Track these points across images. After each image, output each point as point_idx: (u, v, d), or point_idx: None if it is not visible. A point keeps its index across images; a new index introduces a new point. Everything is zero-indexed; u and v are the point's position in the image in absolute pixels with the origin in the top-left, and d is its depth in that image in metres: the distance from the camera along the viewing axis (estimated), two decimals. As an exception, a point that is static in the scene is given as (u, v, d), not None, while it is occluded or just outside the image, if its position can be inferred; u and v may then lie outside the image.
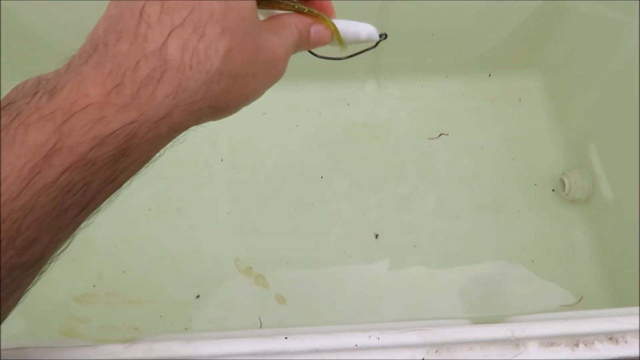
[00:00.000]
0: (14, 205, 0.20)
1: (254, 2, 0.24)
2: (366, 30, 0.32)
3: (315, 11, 0.30)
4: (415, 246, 0.78)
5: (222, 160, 0.82)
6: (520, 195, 0.81)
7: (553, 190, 0.81)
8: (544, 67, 0.89)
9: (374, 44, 0.34)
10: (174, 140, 0.26)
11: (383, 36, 0.34)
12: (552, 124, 0.87)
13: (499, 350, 0.39)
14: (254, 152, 0.83)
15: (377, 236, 0.78)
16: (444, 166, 0.84)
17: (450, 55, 0.88)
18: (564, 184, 0.79)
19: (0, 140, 0.20)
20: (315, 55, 0.33)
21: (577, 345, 0.40)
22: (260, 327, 0.71)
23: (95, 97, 0.21)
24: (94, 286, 0.73)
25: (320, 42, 0.31)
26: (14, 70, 0.78)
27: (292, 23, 0.29)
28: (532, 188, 0.82)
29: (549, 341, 0.40)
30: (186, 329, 0.71)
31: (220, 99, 0.24)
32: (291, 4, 0.29)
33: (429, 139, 0.85)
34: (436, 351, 0.39)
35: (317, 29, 0.30)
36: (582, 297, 0.73)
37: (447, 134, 0.85)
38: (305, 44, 0.30)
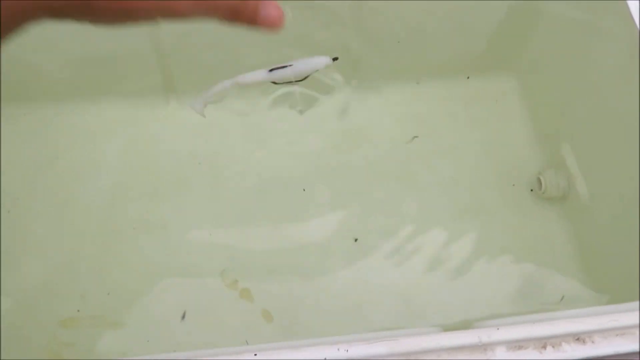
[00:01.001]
0: None
1: None
2: (321, 62, 0.33)
3: None
4: (397, 252, 0.78)
5: (203, 174, 0.83)
6: (499, 196, 0.82)
7: (531, 190, 0.82)
8: (518, 69, 0.90)
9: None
10: None
11: (335, 59, 0.35)
12: (527, 124, 0.87)
13: (467, 356, 0.39)
14: (235, 165, 0.84)
15: (356, 240, 0.79)
16: (423, 170, 0.84)
17: (425, 60, 0.89)
18: (540, 184, 0.80)
19: None
20: (276, 83, 0.34)
21: (544, 347, 0.40)
22: (247, 343, 0.71)
23: None
24: (79, 310, 0.73)
25: (270, 22, 0.25)
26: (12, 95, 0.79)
27: None
28: (510, 189, 0.82)
29: (517, 345, 0.40)
30: (174, 350, 0.71)
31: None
32: None
33: (405, 143, 0.85)
34: (405, 361, 0.39)
35: (265, 12, 0.25)
36: (563, 296, 0.73)
37: (417, 136, 0.86)
38: (236, 15, 0.24)
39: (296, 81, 0.33)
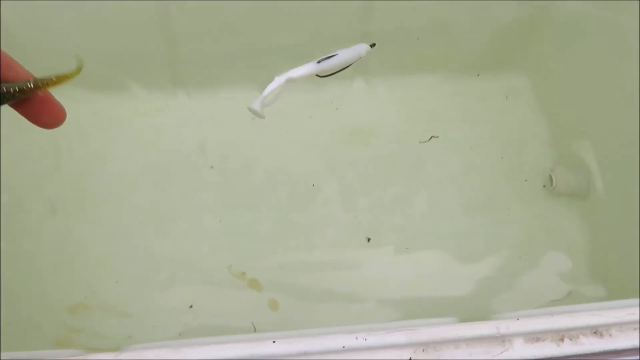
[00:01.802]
0: None
1: None
2: (363, 49, 0.33)
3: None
4: (407, 248, 0.78)
5: (212, 167, 0.83)
6: (511, 192, 0.82)
7: (544, 186, 0.82)
8: (530, 65, 0.90)
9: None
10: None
11: (373, 45, 0.35)
12: (540, 120, 0.87)
13: (485, 348, 0.39)
14: (244, 158, 0.84)
15: (369, 240, 0.79)
16: (434, 166, 0.84)
17: (437, 56, 0.88)
18: (552, 180, 0.79)
19: None
20: (319, 76, 0.34)
21: (562, 340, 0.40)
22: (255, 331, 0.71)
23: None
24: (86, 297, 0.73)
25: (46, 124, 0.27)
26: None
27: None
28: (523, 184, 0.82)
29: (534, 337, 0.40)
30: (180, 334, 0.71)
31: None
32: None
33: (419, 142, 0.85)
34: (423, 350, 0.39)
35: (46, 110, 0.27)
36: (570, 292, 0.74)
37: (438, 136, 0.86)
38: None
39: (338, 71, 0.33)
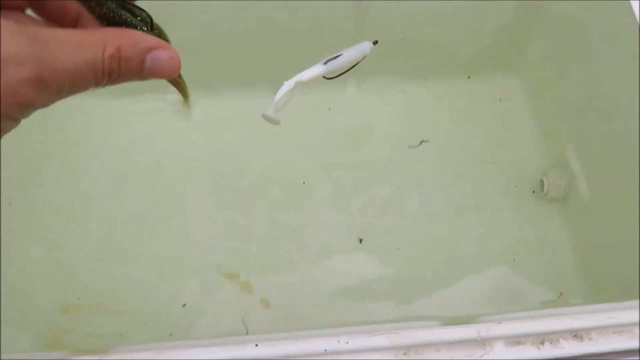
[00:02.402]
0: None
1: None
2: (367, 47, 0.33)
3: (162, 32, 0.23)
4: (398, 249, 0.79)
5: (203, 167, 0.83)
6: (501, 196, 0.82)
7: (533, 191, 0.82)
8: (523, 68, 0.90)
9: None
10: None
11: (376, 42, 0.35)
12: (532, 124, 0.88)
13: (466, 351, 0.40)
14: (237, 160, 0.84)
15: (360, 241, 0.79)
16: (426, 169, 0.85)
17: (429, 58, 0.89)
18: (543, 184, 0.80)
19: None
20: (326, 78, 0.34)
21: (542, 343, 0.41)
22: (247, 332, 0.71)
23: None
24: (79, 298, 0.73)
25: (163, 75, 0.24)
26: None
27: (107, 39, 0.21)
28: (513, 189, 0.83)
29: (515, 340, 0.41)
30: (171, 334, 0.72)
31: None
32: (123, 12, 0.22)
33: (409, 147, 0.86)
34: (404, 353, 0.39)
35: (161, 57, 0.23)
36: (561, 293, 0.74)
37: (428, 141, 0.86)
38: (128, 74, 0.23)
39: (345, 72, 0.33)
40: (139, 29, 0.23)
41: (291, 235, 0.79)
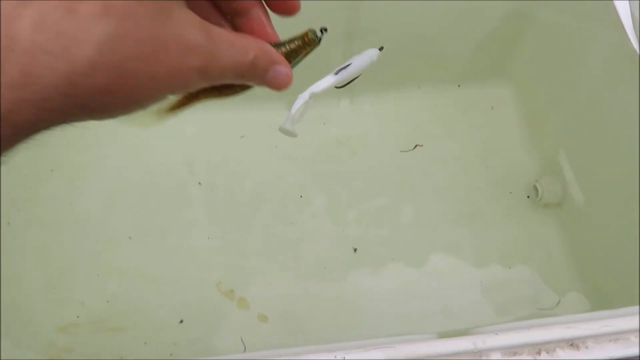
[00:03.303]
0: None
1: None
2: (374, 54, 0.34)
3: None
4: (393, 259, 0.79)
5: (200, 183, 0.83)
6: (496, 203, 0.83)
7: (528, 196, 0.83)
8: (513, 75, 0.91)
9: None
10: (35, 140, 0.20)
11: (382, 49, 0.35)
12: (524, 131, 0.88)
13: (463, 363, 0.40)
14: (232, 174, 0.84)
15: (355, 250, 0.79)
16: (420, 178, 0.85)
17: (420, 68, 0.89)
18: (537, 190, 0.80)
19: None
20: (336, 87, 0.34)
21: (539, 353, 0.41)
22: (245, 349, 0.71)
23: None
24: (78, 316, 0.73)
25: (276, 87, 0.26)
26: None
27: (249, 46, 0.24)
28: (507, 195, 0.83)
29: (512, 351, 0.41)
30: (171, 354, 0.71)
31: (94, 99, 0.19)
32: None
33: (401, 151, 0.86)
34: (401, 367, 0.39)
35: (280, 72, 0.26)
36: (559, 301, 0.74)
37: (422, 145, 0.86)
38: (253, 78, 0.25)
39: (353, 80, 0.33)
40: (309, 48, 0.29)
41: (288, 248, 0.79)
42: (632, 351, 0.42)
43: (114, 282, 0.76)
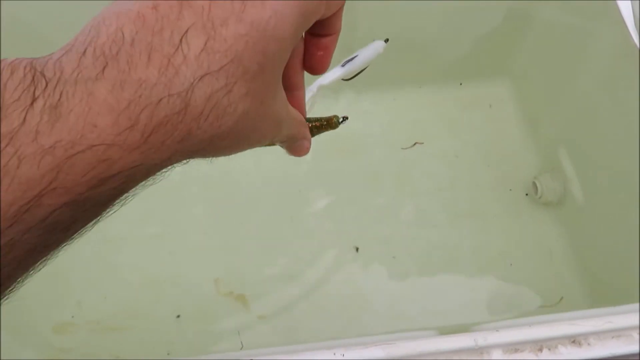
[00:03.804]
0: None
1: (281, 71, 0.23)
2: (380, 46, 0.34)
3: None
4: (394, 257, 0.78)
5: (197, 181, 0.83)
6: (495, 201, 0.82)
7: (527, 194, 0.82)
8: (513, 74, 0.91)
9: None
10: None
11: (387, 40, 0.35)
12: (523, 129, 0.88)
13: (464, 360, 0.39)
14: (230, 172, 0.84)
15: (357, 249, 0.79)
16: (420, 176, 0.84)
17: (419, 66, 0.89)
18: (536, 188, 0.80)
19: None
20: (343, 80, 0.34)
21: (540, 350, 0.41)
22: (242, 347, 0.71)
23: (104, 134, 0.18)
24: (73, 316, 0.72)
25: (293, 155, 0.31)
26: None
27: (300, 123, 0.29)
28: (507, 193, 0.83)
29: (513, 348, 0.40)
30: (168, 354, 0.71)
31: (217, 152, 0.23)
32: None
33: (402, 149, 0.86)
34: (401, 364, 0.39)
35: (304, 146, 0.31)
36: (561, 298, 0.74)
37: (422, 143, 0.86)
38: (283, 143, 0.30)
39: (360, 72, 0.33)
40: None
41: (287, 246, 0.79)
42: (634, 348, 0.41)
43: (111, 281, 0.75)
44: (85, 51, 0.19)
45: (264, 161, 0.85)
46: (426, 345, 0.39)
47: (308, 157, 0.85)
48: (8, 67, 0.18)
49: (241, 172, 0.84)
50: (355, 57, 0.33)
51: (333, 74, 0.33)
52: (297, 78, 0.28)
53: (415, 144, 0.86)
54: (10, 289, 0.21)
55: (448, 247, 0.79)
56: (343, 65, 0.33)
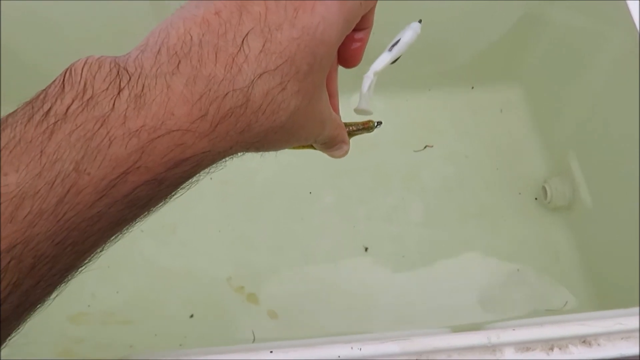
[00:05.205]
0: (85, 215, 0.20)
1: (326, 73, 0.25)
2: (417, 27, 0.35)
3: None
4: (403, 256, 0.79)
5: (211, 178, 0.84)
6: (504, 203, 0.83)
7: (536, 198, 0.83)
8: (524, 78, 0.92)
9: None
10: None
11: (420, 21, 0.36)
12: (533, 133, 0.89)
13: (476, 357, 0.40)
14: (244, 169, 0.85)
15: (366, 249, 0.80)
16: (430, 177, 0.85)
17: (432, 69, 0.90)
18: (546, 192, 0.81)
19: (86, 152, 0.20)
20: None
21: (551, 349, 0.42)
22: (254, 341, 0.72)
23: (180, 122, 0.21)
24: (89, 306, 0.74)
25: (333, 157, 0.34)
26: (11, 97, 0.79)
27: (340, 125, 0.31)
28: (516, 197, 0.84)
29: (525, 346, 0.41)
30: (180, 345, 0.72)
31: (268, 145, 0.25)
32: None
33: (414, 151, 0.87)
34: (416, 359, 0.40)
35: (344, 149, 0.33)
36: (566, 302, 0.74)
37: (432, 146, 0.87)
38: (324, 145, 0.32)
39: (400, 56, 0.34)
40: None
41: (297, 244, 0.80)
42: (642, 350, 0.42)
43: (125, 274, 0.77)
44: (159, 50, 0.21)
45: (277, 160, 0.85)
46: (440, 342, 0.40)
47: (319, 155, 0.86)
48: (96, 63, 0.21)
49: (256, 170, 0.85)
50: (398, 40, 0.34)
51: (383, 59, 0.34)
52: (332, 86, 0.31)
53: (425, 147, 0.87)
54: (92, 257, 0.23)
55: (456, 248, 0.80)
56: (390, 50, 0.34)
